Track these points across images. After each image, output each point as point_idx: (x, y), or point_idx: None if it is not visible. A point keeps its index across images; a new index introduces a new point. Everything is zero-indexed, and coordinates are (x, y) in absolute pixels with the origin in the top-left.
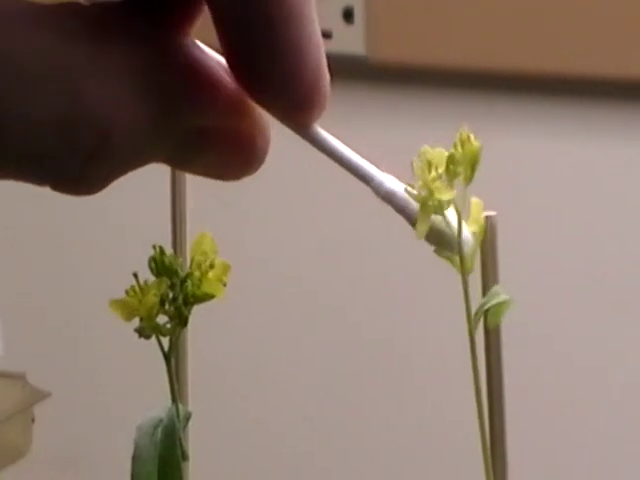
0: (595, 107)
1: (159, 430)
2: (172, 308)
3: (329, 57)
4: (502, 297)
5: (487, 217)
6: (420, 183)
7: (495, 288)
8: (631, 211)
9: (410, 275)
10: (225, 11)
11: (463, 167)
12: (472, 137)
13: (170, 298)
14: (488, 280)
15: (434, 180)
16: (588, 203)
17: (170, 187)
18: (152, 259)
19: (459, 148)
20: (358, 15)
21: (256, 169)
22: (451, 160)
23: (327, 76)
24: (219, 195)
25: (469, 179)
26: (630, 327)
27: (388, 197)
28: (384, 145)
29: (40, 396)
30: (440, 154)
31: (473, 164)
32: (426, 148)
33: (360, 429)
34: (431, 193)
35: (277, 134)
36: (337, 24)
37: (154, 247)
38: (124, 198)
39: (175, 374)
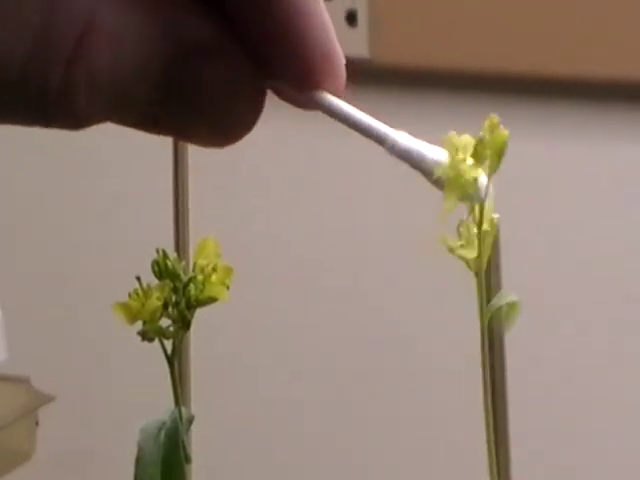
0: (598, 109)
1: (162, 432)
2: (175, 312)
3: None
4: (510, 298)
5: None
6: (449, 163)
7: (503, 290)
8: (634, 213)
9: (413, 276)
10: None
11: (490, 152)
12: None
13: (173, 302)
14: (491, 281)
15: (462, 162)
16: (589, 205)
17: (172, 189)
18: (155, 262)
19: (487, 134)
20: (361, 18)
21: (245, 133)
22: (479, 143)
23: (337, 46)
24: (222, 196)
25: (494, 168)
26: (634, 328)
27: (404, 154)
28: None
29: (44, 400)
30: (467, 140)
31: (500, 152)
32: (453, 134)
33: (361, 429)
34: (459, 173)
35: (277, 133)
36: (340, 27)
37: (157, 250)
38: (127, 201)
39: (178, 377)
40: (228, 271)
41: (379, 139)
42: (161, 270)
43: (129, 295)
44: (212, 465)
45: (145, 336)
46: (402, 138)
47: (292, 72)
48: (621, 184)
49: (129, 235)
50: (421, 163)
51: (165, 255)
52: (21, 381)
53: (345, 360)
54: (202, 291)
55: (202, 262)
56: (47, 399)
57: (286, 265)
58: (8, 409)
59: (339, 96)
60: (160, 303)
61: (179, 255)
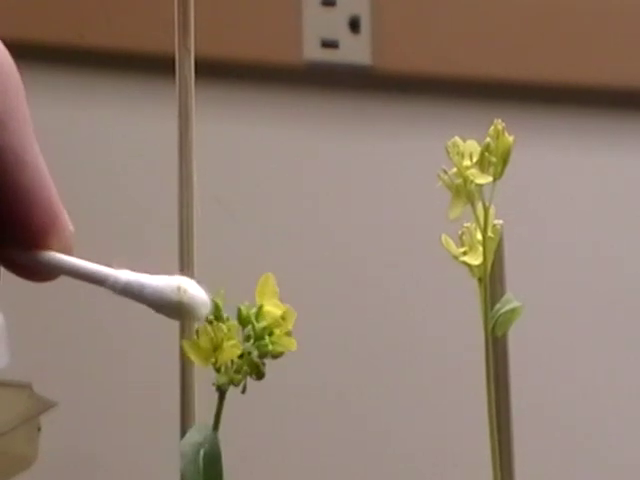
0: (602, 117)
1: (200, 456)
2: (248, 361)
3: (336, 67)
4: (514, 304)
5: (493, 226)
6: (454, 170)
7: (507, 295)
8: (638, 221)
9: (417, 280)
10: None
11: (496, 158)
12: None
13: (247, 352)
14: (496, 287)
15: (468, 168)
16: (591, 213)
17: (178, 200)
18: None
19: (493, 140)
20: (364, 25)
21: None
22: (486, 149)
23: (61, 212)
24: (225, 207)
25: (499, 174)
26: (637, 335)
27: (125, 288)
28: (391, 155)
29: (46, 406)
30: (472, 145)
31: (505, 157)
32: (457, 140)
33: (364, 429)
34: (465, 180)
35: (278, 147)
36: (343, 34)
37: (218, 292)
38: (130, 205)
39: (188, 392)
40: (292, 317)
41: (102, 279)
42: (220, 314)
43: (196, 332)
44: None
45: (221, 388)
46: (123, 274)
47: (17, 239)
48: (624, 190)
49: (130, 240)
50: (142, 292)
51: (223, 297)
52: (23, 387)
53: (347, 363)
54: (274, 343)
55: (271, 309)
56: (49, 405)
57: (292, 274)
58: (10, 415)
59: (69, 253)
60: (239, 352)
61: (183, 266)
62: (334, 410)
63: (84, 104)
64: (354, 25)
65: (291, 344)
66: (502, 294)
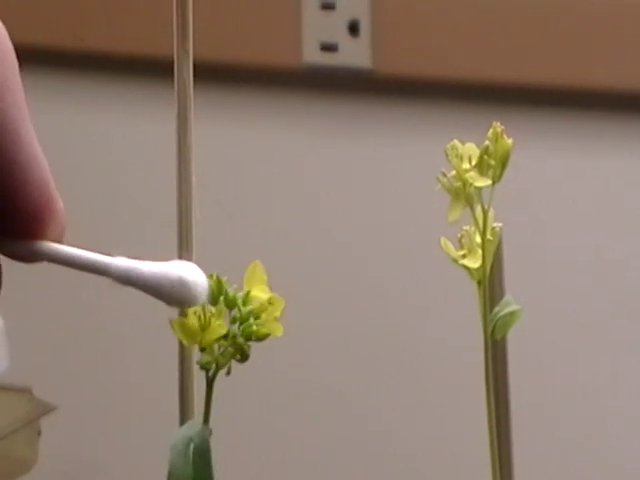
0: (601, 119)
1: (190, 450)
2: (234, 343)
3: (335, 70)
4: (513, 307)
5: (492, 228)
6: (453, 173)
7: (507, 298)
8: (638, 224)
9: (417, 282)
10: None
11: (495, 161)
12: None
13: (232, 334)
14: (495, 290)
15: (467, 171)
16: (594, 215)
17: (177, 202)
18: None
19: (492, 143)
20: (364, 28)
21: None
22: (485, 152)
23: (56, 195)
24: (223, 205)
25: (498, 177)
26: (638, 338)
27: (125, 276)
28: (391, 158)
29: (46, 409)
30: (471, 148)
31: (504, 160)
32: (456, 142)
33: (364, 429)
34: (464, 183)
35: (280, 146)
36: (343, 37)
37: (211, 275)
38: (129, 207)
39: (187, 391)
40: (280, 304)
41: (101, 268)
42: (215, 297)
43: (185, 312)
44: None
45: (205, 367)
46: (122, 262)
47: (12, 226)
48: (624, 193)
49: (130, 239)
50: (142, 279)
51: (220, 281)
52: (23, 391)
53: (347, 363)
54: (260, 326)
55: (258, 294)
56: (49, 408)
57: (290, 271)
58: (10, 418)
59: (61, 242)
60: (223, 332)
61: (182, 258)
62: (334, 410)
63: (84, 107)
64: (353, 28)
65: (277, 329)
66: (501, 297)
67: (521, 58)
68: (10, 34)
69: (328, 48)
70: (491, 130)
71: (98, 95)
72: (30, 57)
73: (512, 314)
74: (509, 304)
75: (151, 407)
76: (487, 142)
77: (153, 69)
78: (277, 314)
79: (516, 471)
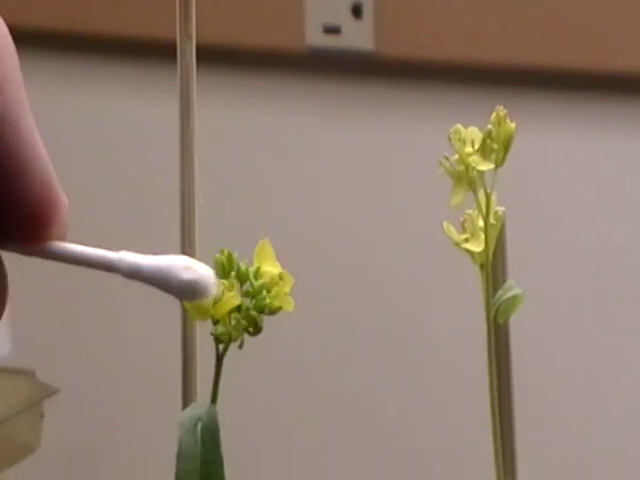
0: (605, 103)
1: (199, 428)
2: (247, 316)
3: (338, 53)
4: (515, 291)
5: (495, 213)
6: (456, 157)
7: (509, 282)
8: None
9: (417, 268)
10: None
11: (498, 145)
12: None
13: (245, 306)
14: (498, 274)
15: (470, 155)
16: (597, 200)
17: (179, 185)
18: (220, 263)
19: (495, 127)
20: (367, 10)
21: None
22: (488, 135)
23: (58, 187)
24: (227, 188)
25: (501, 161)
26: (636, 321)
27: (131, 271)
28: (394, 140)
29: (49, 392)
30: (474, 132)
31: (507, 144)
32: (458, 126)
33: (372, 422)
34: (467, 166)
35: (281, 129)
36: (346, 20)
37: (222, 251)
38: (132, 190)
39: (190, 372)
40: (290, 280)
41: (107, 265)
42: (226, 271)
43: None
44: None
45: (219, 338)
46: (128, 257)
47: (15, 221)
48: (627, 177)
49: (135, 225)
50: (149, 273)
51: (231, 256)
52: (26, 373)
53: (354, 353)
54: (272, 298)
55: (269, 269)
56: (52, 391)
57: (294, 260)
58: (13, 401)
59: (64, 239)
60: (237, 303)
61: (184, 243)
62: (342, 403)
63: (86, 90)
64: (356, 10)
65: (289, 303)
66: (504, 281)
67: (525, 41)
68: (14, 17)
69: (331, 30)
70: (494, 114)
71: (101, 78)
72: (33, 40)
73: (515, 298)
74: (512, 288)
75: (155, 389)
76: (490, 126)
77: (156, 52)
78: (287, 290)
79: (519, 458)
